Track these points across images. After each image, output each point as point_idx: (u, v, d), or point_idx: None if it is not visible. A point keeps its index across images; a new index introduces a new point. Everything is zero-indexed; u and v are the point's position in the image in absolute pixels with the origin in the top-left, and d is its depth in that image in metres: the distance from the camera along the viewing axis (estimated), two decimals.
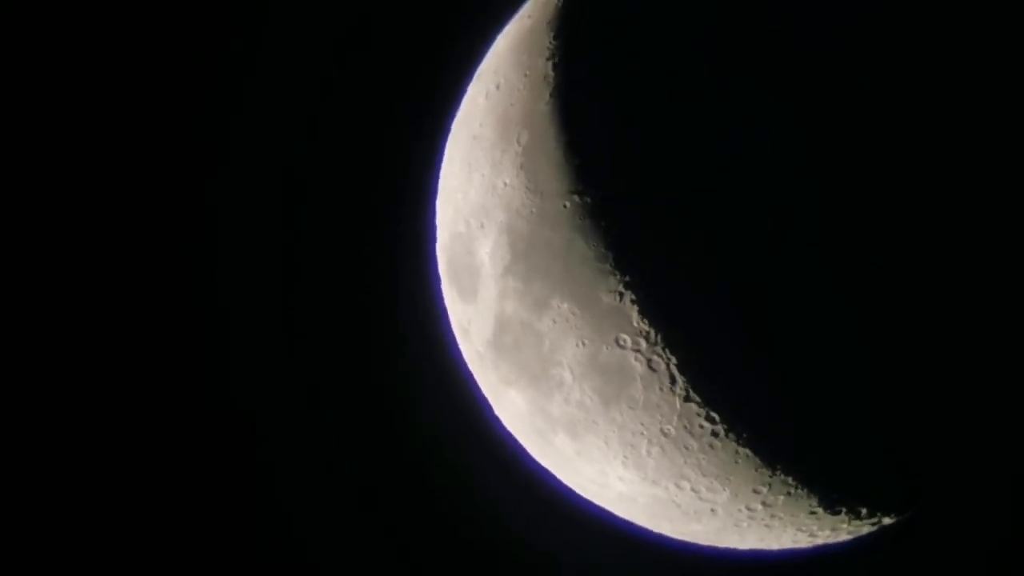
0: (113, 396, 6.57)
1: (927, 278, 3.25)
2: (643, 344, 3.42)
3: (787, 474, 3.55)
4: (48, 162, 6.56)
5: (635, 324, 3.41)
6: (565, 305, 3.53)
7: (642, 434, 3.59)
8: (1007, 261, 3.32)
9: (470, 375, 4.31)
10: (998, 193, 3.30)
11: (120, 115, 6.59)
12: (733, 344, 3.30)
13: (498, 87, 3.94)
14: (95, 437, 6.56)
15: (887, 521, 3.94)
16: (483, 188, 3.83)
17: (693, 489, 3.68)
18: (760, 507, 3.69)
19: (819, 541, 3.96)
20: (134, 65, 6.57)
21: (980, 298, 3.30)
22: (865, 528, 3.94)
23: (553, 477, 4.30)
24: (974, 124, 3.31)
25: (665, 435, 3.55)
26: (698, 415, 3.46)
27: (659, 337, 3.39)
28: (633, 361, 3.46)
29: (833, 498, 3.66)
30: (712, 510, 3.75)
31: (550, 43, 3.76)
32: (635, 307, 3.40)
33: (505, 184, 3.71)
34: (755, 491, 3.62)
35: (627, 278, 3.40)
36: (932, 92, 3.29)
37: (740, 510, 3.72)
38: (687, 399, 3.45)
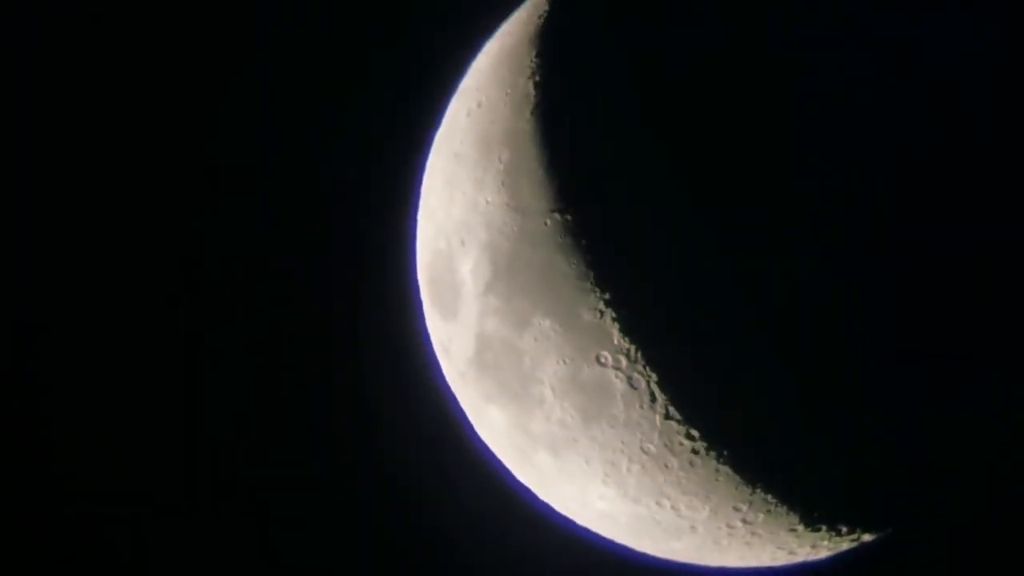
0: (91, 397, 6.53)
1: (913, 302, 3.27)
2: (624, 362, 3.42)
3: (767, 492, 3.55)
4: (31, 159, 6.53)
5: (616, 342, 3.41)
6: (546, 323, 3.53)
7: (623, 452, 3.59)
8: (1003, 274, 3.34)
9: (451, 393, 4.30)
10: (997, 199, 3.33)
11: (90, 121, 6.56)
12: (713, 362, 3.31)
13: (479, 105, 3.95)
14: (74, 436, 6.52)
15: (867, 538, 3.94)
16: (464, 206, 3.82)
17: (673, 507, 3.68)
18: (740, 525, 3.69)
19: (799, 558, 3.97)
20: (107, 71, 6.55)
21: (968, 318, 3.32)
22: (845, 545, 3.94)
23: (534, 495, 4.29)
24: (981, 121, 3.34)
25: (645, 453, 3.55)
26: (678, 433, 3.46)
27: (640, 355, 3.40)
28: (614, 379, 3.46)
29: (813, 515, 3.66)
30: (692, 528, 3.75)
31: (531, 61, 3.77)
32: (616, 325, 3.40)
33: (487, 202, 3.71)
34: (735, 509, 3.63)
35: (608, 296, 3.40)
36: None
37: (720, 528, 3.72)
38: (667, 417, 3.45)
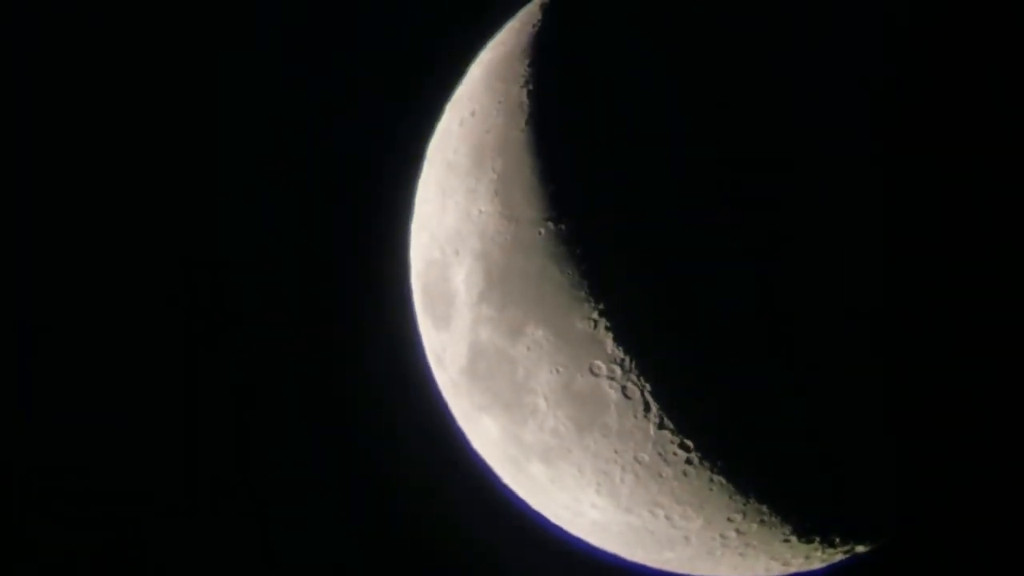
0: (91, 398, 6.51)
1: (908, 312, 3.27)
2: (617, 371, 3.42)
3: (761, 502, 3.54)
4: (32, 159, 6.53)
5: (609, 351, 3.41)
6: (540, 332, 3.52)
7: (616, 461, 3.58)
8: (1001, 277, 3.34)
9: (444, 403, 4.29)
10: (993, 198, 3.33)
11: (88, 121, 6.56)
12: (707, 372, 3.30)
13: (473, 114, 3.95)
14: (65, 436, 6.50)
15: (860, 549, 3.94)
16: (458, 215, 3.82)
17: (667, 517, 3.67)
18: (734, 535, 3.68)
19: (792, 569, 3.96)
20: (106, 72, 6.55)
21: (964, 328, 3.32)
22: (838, 556, 3.94)
23: (527, 505, 4.27)
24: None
25: (639, 462, 3.54)
26: (672, 442, 3.46)
27: (633, 364, 3.39)
28: (607, 388, 3.46)
29: (807, 526, 3.66)
30: (686, 538, 3.74)
31: (524, 70, 3.78)
32: (609, 334, 3.40)
33: (480, 211, 3.71)
34: (729, 519, 3.62)
35: (601, 305, 3.40)
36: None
37: (714, 538, 3.71)
38: (661, 426, 3.44)
